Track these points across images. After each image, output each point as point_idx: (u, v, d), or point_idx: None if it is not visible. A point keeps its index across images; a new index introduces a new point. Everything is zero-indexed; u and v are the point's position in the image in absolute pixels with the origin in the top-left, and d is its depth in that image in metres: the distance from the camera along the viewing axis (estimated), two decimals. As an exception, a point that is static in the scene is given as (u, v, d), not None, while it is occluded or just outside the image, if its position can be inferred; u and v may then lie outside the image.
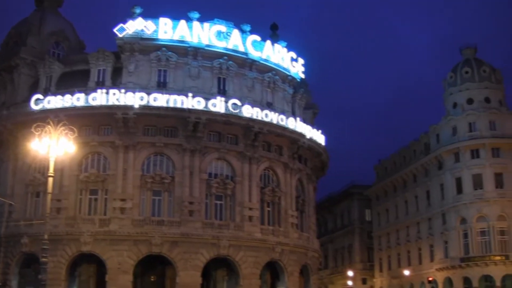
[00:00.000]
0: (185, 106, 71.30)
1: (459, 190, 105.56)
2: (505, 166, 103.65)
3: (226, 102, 73.52)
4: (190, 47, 76.23)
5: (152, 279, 74.11)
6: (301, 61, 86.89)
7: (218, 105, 72.74)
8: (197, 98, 71.98)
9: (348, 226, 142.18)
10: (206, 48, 77.00)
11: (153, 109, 70.83)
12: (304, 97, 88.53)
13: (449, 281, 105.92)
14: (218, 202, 73.69)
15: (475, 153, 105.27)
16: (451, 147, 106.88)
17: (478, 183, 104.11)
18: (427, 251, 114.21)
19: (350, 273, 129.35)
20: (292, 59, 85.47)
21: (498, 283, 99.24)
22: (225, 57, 77.76)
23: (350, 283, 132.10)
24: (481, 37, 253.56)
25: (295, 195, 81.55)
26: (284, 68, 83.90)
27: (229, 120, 73.41)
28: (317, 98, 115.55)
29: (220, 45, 77.72)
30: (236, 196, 74.11)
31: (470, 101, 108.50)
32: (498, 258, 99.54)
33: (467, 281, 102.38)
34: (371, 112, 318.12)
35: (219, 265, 74.04)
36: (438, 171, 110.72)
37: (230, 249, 70.82)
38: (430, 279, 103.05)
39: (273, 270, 78.11)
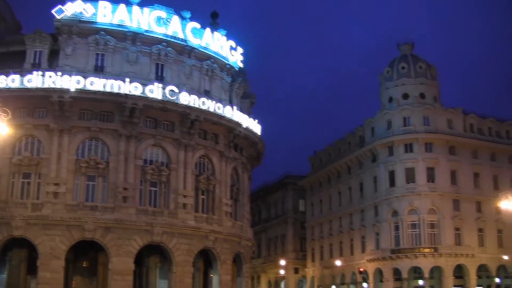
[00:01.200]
0: (122, 91, 70.53)
1: (392, 183, 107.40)
2: (437, 161, 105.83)
3: (164, 88, 73.06)
4: (129, 31, 75.47)
5: (84, 265, 73.37)
6: (240, 50, 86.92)
7: (155, 91, 72.24)
8: (135, 84, 71.32)
9: (282, 216, 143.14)
10: (145, 33, 76.33)
11: (89, 93, 69.81)
12: (241, 86, 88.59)
13: (379, 272, 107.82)
14: (153, 188, 73.24)
15: (408, 147, 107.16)
16: (386, 140, 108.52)
17: (410, 176, 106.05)
18: (359, 242, 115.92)
19: (282, 262, 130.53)
20: (231, 48, 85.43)
21: (426, 275, 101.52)
22: (164, 43, 77.27)
23: (282, 272, 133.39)
24: (418, 33, 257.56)
25: (229, 184, 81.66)
26: (223, 57, 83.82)
27: (166, 107, 72.95)
28: (255, 88, 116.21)
29: (159, 31, 77.16)
30: (171, 183, 73.79)
31: (405, 96, 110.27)
32: (427, 250, 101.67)
33: (397, 272, 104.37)
34: (308, 104, 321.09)
35: (152, 252, 73.71)
36: (372, 163, 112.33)
37: (163, 236, 70.58)
38: (361, 269, 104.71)
39: (206, 258, 78.18)
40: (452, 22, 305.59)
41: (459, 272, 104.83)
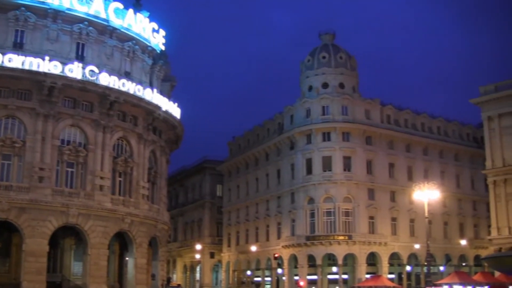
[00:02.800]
0: (41, 70, 69.11)
1: (309, 170, 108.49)
2: (354, 150, 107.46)
3: (84, 68, 71.96)
4: (50, 9, 73.92)
5: (-3, 246, 72.04)
6: (162, 32, 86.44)
7: (75, 70, 71.04)
8: (54, 62, 70.00)
9: (199, 200, 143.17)
10: (67, 11, 74.93)
11: (7, 70, 68.09)
12: (162, 69, 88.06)
13: (294, 258, 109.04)
14: (70, 169, 72.11)
15: (326, 136, 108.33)
16: (304, 128, 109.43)
17: (327, 165, 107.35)
18: (274, 228, 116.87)
19: (198, 246, 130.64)
20: (154, 30, 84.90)
21: (340, 262, 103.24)
22: (86, 23, 76.03)
23: (198, 256, 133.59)
24: (341, 23, 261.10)
25: (147, 167, 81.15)
26: (144, 39, 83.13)
27: (85, 87, 71.83)
28: (176, 71, 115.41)
29: (81, 9, 75.85)
30: (88, 165, 72.80)
31: (325, 85, 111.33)
32: (341, 238, 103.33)
33: (311, 258, 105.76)
34: (229, 89, 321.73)
35: (67, 234, 72.90)
36: (290, 151, 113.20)
37: (79, 217, 69.60)
38: (276, 255, 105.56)
39: (122, 241, 77.70)
40: (374, 14, 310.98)
41: (372, 259, 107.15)
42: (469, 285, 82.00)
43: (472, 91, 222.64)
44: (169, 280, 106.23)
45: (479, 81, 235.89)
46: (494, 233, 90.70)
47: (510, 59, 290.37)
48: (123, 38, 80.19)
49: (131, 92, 76.03)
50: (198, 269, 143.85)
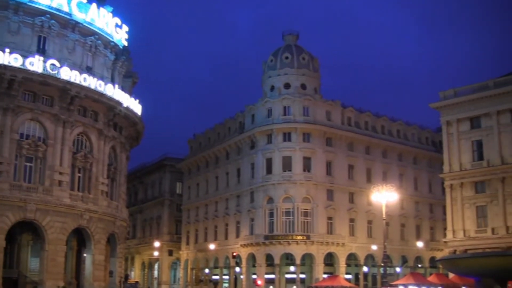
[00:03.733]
0: (0, 62, 68.41)
1: (269, 170, 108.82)
2: (314, 151, 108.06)
3: (45, 62, 71.42)
4: (12, 0, 73.18)
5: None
6: (125, 28, 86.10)
7: (36, 64, 70.47)
8: (15, 55, 69.38)
9: (158, 198, 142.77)
10: (29, 3, 74.29)
11: (-35, 62, 67.46)
12: (125, 64, 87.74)
13: (252, 257, 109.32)
14: (28, 164, 71.50)
15: (287, 136, 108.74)
16: (265, 128, 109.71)
17: (287, 165, 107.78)
18: (233, 227, 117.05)
19: (156, 244, 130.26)
20: (117, 25, 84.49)
21: (298, 261, 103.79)
22: (48, 16, 75.39)
23: (156, 254, 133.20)
24: (304, 24, 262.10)
25: (107, 163, 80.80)
26: (107, 34, 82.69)
27: (46, 80, 71.27)
28: (139, 68, 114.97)
29: (43, 2, 75.18)
30: (47, 160, 72.21)
31: (287, 85, 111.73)
32: (299, 237, 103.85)
33: (269, 257, 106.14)
34: (191, 87, 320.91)
35: (25, 229, 72.28)
36: (250, 150, 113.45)
37: (37, 213, 69.05)
38: (235, 254, 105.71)
39: (80, 237, 77.30)
40: (337, 15, 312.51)
41: (330, 259, 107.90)
42: (424, 286, 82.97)
43: (432, 95, 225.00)
44: (127, 277, 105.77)
45: (440, 86, 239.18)
46: (449, 235, 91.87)
47: (470, 64, 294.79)
48: (86, 32, 79.68)
49: (92, 87, 75.64)
50: (156, 266, 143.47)
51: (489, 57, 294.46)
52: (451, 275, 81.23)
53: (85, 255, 77.72)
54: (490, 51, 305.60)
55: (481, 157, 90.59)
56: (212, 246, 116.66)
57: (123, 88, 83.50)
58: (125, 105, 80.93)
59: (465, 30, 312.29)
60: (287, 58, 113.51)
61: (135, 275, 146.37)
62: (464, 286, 78.48)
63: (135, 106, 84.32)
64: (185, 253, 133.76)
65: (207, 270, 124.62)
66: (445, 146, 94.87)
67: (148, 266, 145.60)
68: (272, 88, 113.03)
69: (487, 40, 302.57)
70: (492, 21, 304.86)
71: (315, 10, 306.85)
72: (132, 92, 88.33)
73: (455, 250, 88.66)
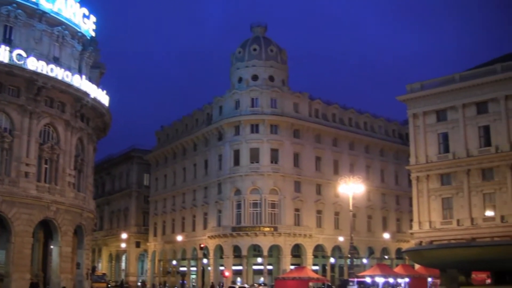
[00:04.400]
0: (-35, 52, 67.71)
1: (237, 162, 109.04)
2: (281, 143, 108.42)
3: (11, 52, 70.53)
4: (-24, -10, 72.43)
5: None
6: (93, 18, 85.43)
7: (2, 54, 69.56)
8: (-20, 45, 68.66)
9: (126, 189, 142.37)
10: (-6, -7, 73.49)
11: None
12: (92, 55, 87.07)
13: (220, 249, 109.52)
14: (-6, 155, 70.84)
15: (254, 128, 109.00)
16: (233, 120, 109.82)
17: (254, 156, 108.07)
18: (201, 218, 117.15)
19: (124, 235, 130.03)
20: (84, 16, 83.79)
21: (265, 253, 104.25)
22: (14, 5, 74.50)
23: (123, 245, 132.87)
24: (272, 15, 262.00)
25: (74, 154, 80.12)
26: (74, 24, 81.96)
27: (12, 71, 70.44)
28: (106, 59, 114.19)
29: (9, -9, 74.44)
30: (14, 151, 71.41)
31: (255, 77, 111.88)
32: (267, 229, 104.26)
33: (237, 249, 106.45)
34: (160, 78, 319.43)
35: (-10, 221, 71.52)
36: (218, 142, 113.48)
37: (3, 205, 68.31)
38: (202, 245, 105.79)
39: (46, 229, 76.66)
40: (306, 8, 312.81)
41: (297, 251, 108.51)
42: (390, 277, 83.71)
43: (399, 88, 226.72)
44: (94, 269, 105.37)
45: (407, 79, 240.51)
46: (415, 227, 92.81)
47: (437, 57, 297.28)
48: (53, 22, 78.90)
49: (59, 78, 74.95)
50: (123, 258, 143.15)
51: (456, 50, 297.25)
52: (417, 266, 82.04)
53: (52, 247, 77.19)
54: (457, 44, 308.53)
55: (447, 150, 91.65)
56: (179, 238, 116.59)
57: (90, 79, 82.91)
58: (92, 96, 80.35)
59: (433, 24, 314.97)
60: (255, 50, 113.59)
61: (102, 267, 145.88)
62: (429, 277, 79.37)
63: (103, 97, 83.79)
64: (153, 245, 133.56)
65: (174, 262, 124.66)
66: (412, 138, 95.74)
67: (116, 258, 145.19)
68: (240, 79, 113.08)
69: (455, 34, 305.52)
70: (460, 15, 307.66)
71: (284, 2, 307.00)
72: (99, 83, 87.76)
73: (421, 242, 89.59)
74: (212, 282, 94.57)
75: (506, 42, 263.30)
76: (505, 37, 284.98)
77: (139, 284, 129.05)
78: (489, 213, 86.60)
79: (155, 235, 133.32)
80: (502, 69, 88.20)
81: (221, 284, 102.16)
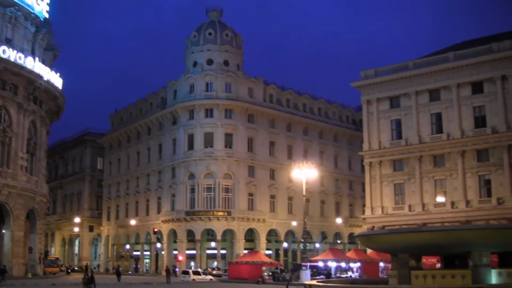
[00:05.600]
0: None
1: (191, 146, 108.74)
2: (236, 128, 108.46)
3: (-38, 33, 69.68)
4: None
5: None
6: (46, 0, 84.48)
7: (-48, 35, 68.75)
8: None
9: (79, 173, 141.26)
10: None
11: None
12: (46, 37, 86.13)
13: (173, 233, 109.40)
14: None
15: (209, 112, 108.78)
16: (187, 104, 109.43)
17: (209, 141, 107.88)
18: (155, 203, 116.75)
19: (77, 219, 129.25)
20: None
21: (219, 237, 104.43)
22: (-36, -15, 73.50)
23: (77, 229, 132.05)
24: (228, 1, 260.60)
25: (27, 137, 79.49)
26: (28, 5, 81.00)
27: (-37, 53, 69.62)
28: (60, 40, 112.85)
29: (-40, -29, 73.25)
30: (-36, 134, 70.74)
31: (210, 61, 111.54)
32: (220, 213, 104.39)
33: (190, 233, 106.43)
34: (115, 61, 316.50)
35: None
36: (172, 126, 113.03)
37: (-47, 188, 67.70)
38: (156, 229, 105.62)
39: (-2, 213, 75.98)
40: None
41: (250, 235, 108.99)
42: (343, 261, 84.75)
43: (354, 75, 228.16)
44: (46, 253, 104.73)
45: (362, 66, 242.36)
46: (368, 212, 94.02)
47: (394, 44, 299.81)
48: (5, 3, 77.89)
49: (12, 59, 74.21)
50: (76, 242, 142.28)
51: (410, 38, 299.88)
52: (369, 250, 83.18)
53: (3, 231, 76.56)
54: (412, 32, 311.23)
55: (399, 136, 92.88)
56: (133, 222, 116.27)
57: (43, 61, 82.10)
58: (45, 78, 79.64)
59: (390, 10, 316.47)
60: (210, 34, 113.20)
61: (55, 251, 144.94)
62: (381, 261, 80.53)
63: (56, 80, 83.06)
64: (106, 229, 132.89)
65: (128, 246, 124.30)
66: (365, 124, 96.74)
67: (69, 242, 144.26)
68: (195, 64, 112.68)
69: (410, 21, 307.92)
70: (415, 3, 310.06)
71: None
72: (53, 66, 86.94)
73: (373, 227, 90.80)
74: (167, 266, 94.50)
75: (463, 29, 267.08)
76: (462, 24, 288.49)
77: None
78: (440, 199, 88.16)
79: (108, 219, 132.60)
80: (454, 57, 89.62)
81: (174, 267, 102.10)
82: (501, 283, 27.96)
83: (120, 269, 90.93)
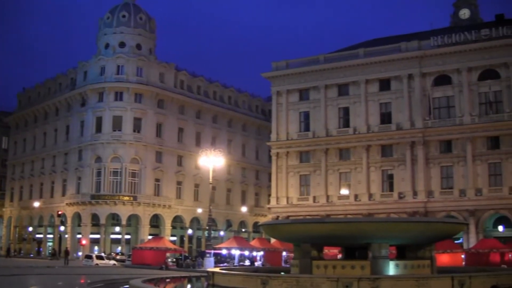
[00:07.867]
0: None
1: (99, 129, 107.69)
2: (145, 112, 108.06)
3: None
4: None
5: None
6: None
7: None
8: None
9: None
10: None
11: None
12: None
13: (78, 216, 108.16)
14: None
15: (119, 96, 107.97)
16: (97, 86, 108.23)
17: (117, 124, 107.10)
18: (60, 185, 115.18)
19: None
20: None
21: (124, 222, 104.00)
22: None
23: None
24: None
25: None
26: None
27: None
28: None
29: None
30: None
31: (122, 44, 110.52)
32: (126, 198, 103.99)
33: (95, 217, 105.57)
34: (24, 38, 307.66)
35: None
36: (81, 107, 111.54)
37: None
38: (60, 212, 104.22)
39: None
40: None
41: (156, 221, 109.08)
42: (246, 249, 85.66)
43: (266, 65, 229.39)
44: None
45: (274, 56, 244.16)
46: (273, 202, 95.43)
47: (308, 37, 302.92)
48: None
49: None
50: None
51: (327, 31, 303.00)
52: (273, 240, 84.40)
53: None
54: (328, 25, 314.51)
55: (307, 128, 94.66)
56: (36, 204, 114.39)
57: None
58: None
59: (308, 2, 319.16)
60: (124, 16, 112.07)
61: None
62: (284, 250, 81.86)
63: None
64: (9, 210, 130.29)
65: (30, 228, 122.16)
66: (274, 115, 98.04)
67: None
68: (107, 46, 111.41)
69: (329, 13, 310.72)
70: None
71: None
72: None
73: (278, 216, 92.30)
74: (66, 248, 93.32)
75: (381, 25, 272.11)
76: (383, 19, 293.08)
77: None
78: (344, 191, 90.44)
79: (11, 200, 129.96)
80: (364, 54, 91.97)
81: (78, 252, 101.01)
82: (398, 274, 29.04)
83: (22, 252, 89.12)
